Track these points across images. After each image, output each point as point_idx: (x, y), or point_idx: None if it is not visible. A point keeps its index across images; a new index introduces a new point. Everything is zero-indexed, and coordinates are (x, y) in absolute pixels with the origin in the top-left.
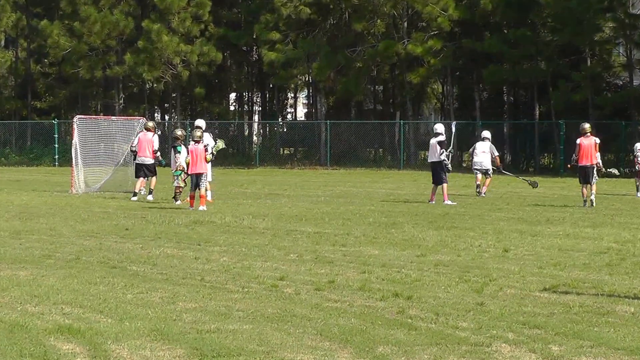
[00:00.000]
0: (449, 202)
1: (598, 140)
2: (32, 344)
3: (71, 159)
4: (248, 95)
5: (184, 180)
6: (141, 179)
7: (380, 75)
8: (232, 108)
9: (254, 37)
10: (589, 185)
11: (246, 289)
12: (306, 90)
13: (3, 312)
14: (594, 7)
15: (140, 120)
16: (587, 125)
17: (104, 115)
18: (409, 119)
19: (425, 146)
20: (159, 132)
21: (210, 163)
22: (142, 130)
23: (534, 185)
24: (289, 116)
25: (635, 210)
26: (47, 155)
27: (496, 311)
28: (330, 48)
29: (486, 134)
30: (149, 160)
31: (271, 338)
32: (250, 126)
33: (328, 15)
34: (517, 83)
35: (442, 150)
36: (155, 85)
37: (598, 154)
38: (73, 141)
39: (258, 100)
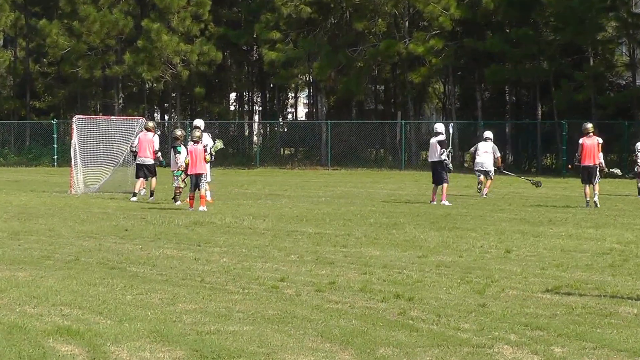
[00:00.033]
0: (446, 202)
1: (601, 140)
2: (31, 345)
3: (70, 159)
4: (248, 95)
5: (184, 180)
6: (141, 179)
7: (381, 75)
8: (232, 108)
9: (254, 36)
10: (591, 186)
11: (246, 290)
12: (307, 90)
13: (2, 314)
14: (596, 6)
15: (140, 120)
16: (589, 125)
17: (103, 115)
18: (411, 119)
19: (427, 146)
20: (159, 132)
21: (208, 163)
22: (142, 131)
23: (537, 184)
24: (289, 116)
25: (638, 211)
26: (46, 156)
27: (498, 312)
28: (331, 47)
29: (488, 134)
30: (149, 161)
31: (272, 339)
32: (251, 126)
33: (329, 15)
34: (519, 83)
35: (442, 150)
36: (154, 85)
37: (601, 154)
38: (72, 141)
39: (258, 100)
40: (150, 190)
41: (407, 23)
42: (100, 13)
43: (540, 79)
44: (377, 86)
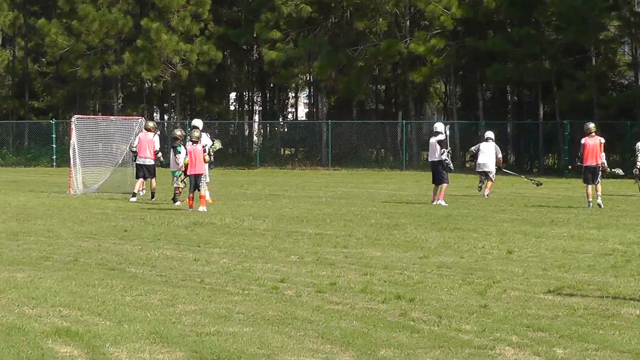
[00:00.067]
0: (442, 202)
1: (603, 140)
2: (30, 346)
3: (69, 159)
4: (248, 94)
5: (183, 181)
6: (140, 179)
7: (382, 75)
8: (232, 108)
9: (255, 35)
10: (593, 186)
11: (246, 291)
12: (307, 90)
13: (0, 315)
14: (598, 6)
15: (139, 120)
16: (591, 125)
17: (102, 115)
18: (412, 119)
19: (428, 146)
20: (159, 132)
21: (207, 164)
22: (142, 131)
23: (538, 184)
24: (289, 116)
25: None
26: (44, 156)
27: (500, 313)
28: (332, 47)
29: (489, 134)
30: (150, 161)
31: (272, 341)
32: (251, 126)
33: (329, 14)
34: (521, 82)
35: (443, 150)
36: (154, 84)
37: (603, 154)
38: (71, 141)
39: (258, 100)
40: (151, 192)
41: (408, 22)
42: (99, 12)
43: (542, 78)
44: (378, 86)
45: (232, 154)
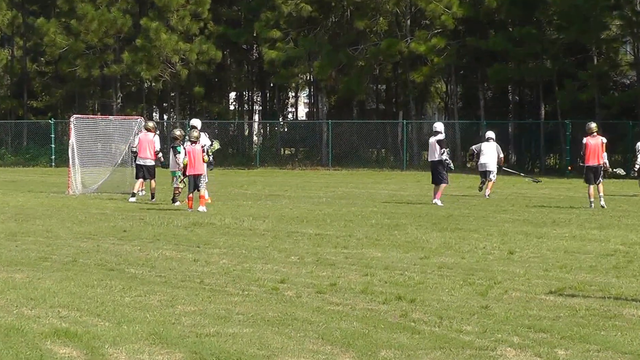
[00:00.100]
0: (438, 202)
1: (605, 140)
2: (28, 348)
3: (68, 159)
4: (248, 94)
5: (182, 181)
6: (140, 180)
7: (382, 74)
8: (232, 107)
9: (254, 35)
10: (595, 186)
11: (246, 292)
12: (307, 90)
13: None
14: (600, 5)
15: (138, 120)
16: (593, 125)
17: (101, 114)
18: (412, 119)
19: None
20: (158, 132)
21: (206, 164)
22: (142, 130)
23: (536, 181)
24: (289, 116)
25: None
26: (43, 156)
27: (501, 314)
28: (332, 46)
29: (490, 134)
30: (150, 162)
31: (272, 342)
32: (251, 126)
33: (329, 13)
34: (523, 82)
35: (443, 150)
36: (153, 84)
37: (605, 154)
38: (70, 141)
39: (258, 100)
40: (151, 192)
41: (408, 22)
42: (99, 11)
43: (544, 78)
44: (379, 85)
45: (232, 154)
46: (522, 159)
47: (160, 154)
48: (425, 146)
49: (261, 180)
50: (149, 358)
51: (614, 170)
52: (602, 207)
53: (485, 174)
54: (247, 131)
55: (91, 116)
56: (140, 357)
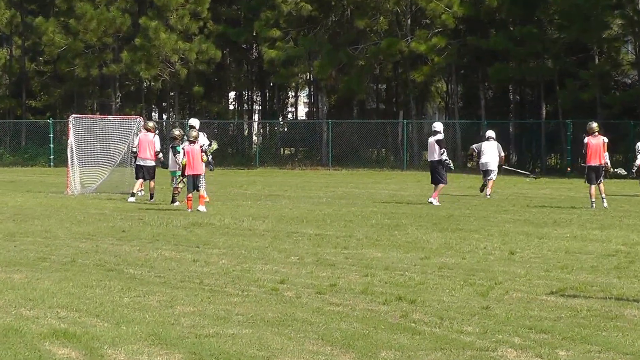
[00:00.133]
0: (434, 201)
1: (606, 140)
2: (27, 348)
3: (67, 159)
4: (248, 94)
5: (182, 181)
6: (140, 180)
7: (383, 74)
8: (231, 107)
9: (254, 34)
10: (597, 186)
11: (246, 293)
12: (307, 89)
13: None
14: (602, 4)
15: (137, 120)
16: (594, 125)
17: (100, 114)
18: (413, 119)
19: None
20: (157, 132)
21: (205, 164)
22: (141, 130)
23: (534, 176)
24: (289, 115)
25: None
26: (42, 156)
27: (502, 315)
28: (332, 46)
29: (490, 133)
30: (150, 162)
31: (271, 343)
32: (250, 126)
33: (329, 12)
34: (523, 81)
35: (442, 150)
36: (152, 83)
37: (606, 154)
38: (69, 141)
39: (258, 99)
40: (150, 193)
41: (409, 21)
42: (97, 11)
43: (545, 77)
44: (379, 85)
45: (232, 154)
46: (523, 158)
47: (161, 155)
48: (425, 146)
49: (261, 180)
50: (148, 359)
51: (615, 170)
52: (605, 207)
53: (487, 174)
54: (247, 131)
55: (90, 116)
56: (139, 357)
